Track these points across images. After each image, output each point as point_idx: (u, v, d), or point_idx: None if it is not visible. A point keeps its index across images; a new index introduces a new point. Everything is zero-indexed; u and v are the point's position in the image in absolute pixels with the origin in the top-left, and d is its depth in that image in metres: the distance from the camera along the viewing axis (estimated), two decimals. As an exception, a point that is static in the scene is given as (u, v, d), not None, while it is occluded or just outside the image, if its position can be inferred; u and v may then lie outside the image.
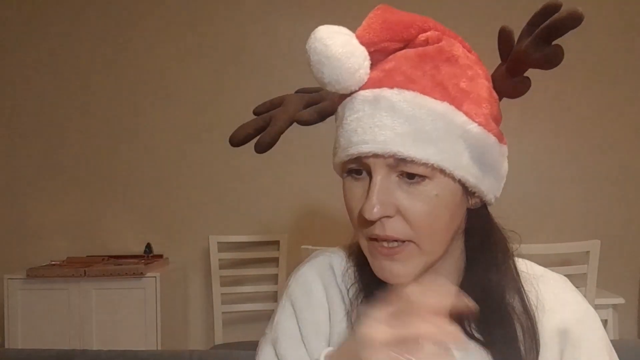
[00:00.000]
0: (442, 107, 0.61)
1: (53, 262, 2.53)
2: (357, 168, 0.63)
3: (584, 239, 2.00)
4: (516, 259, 0.72)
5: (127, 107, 2.77)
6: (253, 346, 0.77)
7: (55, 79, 2.77)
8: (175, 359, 1.07)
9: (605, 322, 2.26)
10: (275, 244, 2.65)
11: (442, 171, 0.60)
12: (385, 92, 0.61)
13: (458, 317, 0.66)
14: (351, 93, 0.64)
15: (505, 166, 0.68)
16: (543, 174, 2.70)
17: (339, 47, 0.61)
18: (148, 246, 2.62)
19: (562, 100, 2.71)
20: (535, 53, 0.67)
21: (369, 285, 0.69)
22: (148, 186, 2.75)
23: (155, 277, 2.34)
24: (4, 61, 2.78)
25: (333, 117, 0.72)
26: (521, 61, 0.69)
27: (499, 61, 0.74)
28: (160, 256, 2.65)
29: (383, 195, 0.60)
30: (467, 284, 0.68)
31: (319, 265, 0.75)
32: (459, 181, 0.62)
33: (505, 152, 0.68)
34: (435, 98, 0.61)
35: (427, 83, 0.62)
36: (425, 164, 0.59)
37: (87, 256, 2.65)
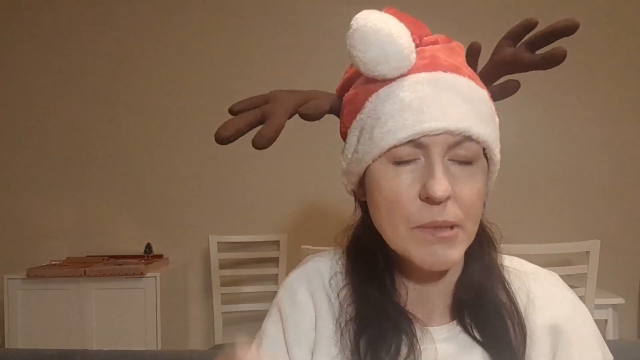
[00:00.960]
0: (484, 93, 0.66)
1: (53, 262, 2.53)
2: (411, 155, 0.61)
3: (584, 239, 2.00)
4: (507, 256, 0.73)
5: (127, 107, 2.77)
6: (253, 346, 0.77)
7: (55, 79, 2.77)
8: (175, 359, 1.07)
9: (605, 322, 2.26)
10: (275, 244, 2.66)
11: (484, 153, 0.63)
12: (441, 75, 0.63)
13: (457, 312, 0.68)
14: (391, 80, 0.63)
15: None
16: (543, 174, 2.70)
17: (398, 25, 0.62)
18: (148, 246, 2.62)
19: (562, 99, 2.70)
20: (530, 57, 0.71)
21: (359, 288, 0.69)
22: (148, 186, 2.75)
23: (155, 277, 2.34)
24: (4, 61, 2.78)
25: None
26: (510, 66, 0.73)
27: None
28: (160, 256, 2.65)
29: (444, 174, 0.60)
30: (464, 280, 0.69)
31: (307, 272, 0.75)
32: (488, 164, 0.64)
33: None
34: (478, 85, 0.65)
35: (468, 72, 0.65)
36: (480, 144, 0.61)
37: (87, 256, 2.65)
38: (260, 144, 0.66)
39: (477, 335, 0.66)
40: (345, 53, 0.64)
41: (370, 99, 0.65)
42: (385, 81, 0.63)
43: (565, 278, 0.75)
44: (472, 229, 0.63)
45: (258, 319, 0.77)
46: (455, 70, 0.64)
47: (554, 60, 0.69)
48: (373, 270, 0.70)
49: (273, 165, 2.64)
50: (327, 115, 0.73)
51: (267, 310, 0.77)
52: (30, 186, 2.76)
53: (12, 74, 2.78)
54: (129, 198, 2.76)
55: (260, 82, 2.70)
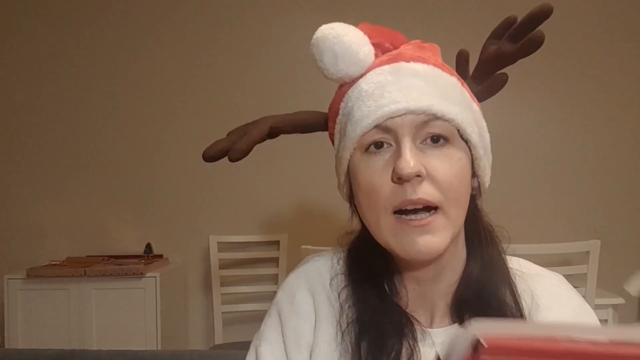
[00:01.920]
0: (454, 80, 0.67)
1: (53, 262, 2.53)
2: (379, 139, 0.62)
3: (584, 239, 2.00)
4: (512, 257, 0.72)
5: (127, 108, 2.77)
6: (252, 346, 0.77)
7: (55, 79, 2.77)
8: (175, 359, 1.07)
9: (605, 322, 2.26)
10: (275, 244, 2.66)
11: (460, 136, 0.63)
12: (403, 64, 0.65)
13: (458, 313, 0.67)
14: (357, 78, 0.66)
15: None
16: (543, 173, 2.70)
17: (345, 27, 0.66)
18: (148, 246, 2.62)
19: (562, 99, 2.71)
20: (512, 47, 0.73)
21: (359, 290, 0.69)
22: (148, 186, 2.75)
23: (155, 277, 2.34)
24: (5, 61, 2.78)
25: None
26: (497, 62, 0.75)
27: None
28: (160, 256, 2.65)
29: (415, 154, 0.60)
30: (466, 280, 0.68)
31: (307, 272, 0.75)
32: (470, 150, 0.64)
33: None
34: (446, 72, 0.66)
35: (435, 62, 0.67)
36: (450, 122, 0.61)
37: (87, 256, 2.65)
38: (232, 156, 0.74)
39: None
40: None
41: (343, 99, 0.68)
42: (353, 81, 0.67)
43: (566, 278, 0.75)
44: (455, 214, 0.62)
45: (258, 319, 0.77)
46: (418, 59, 0.65)
47: (533, 44, 0.71)
48: (373, 272, 0.69)
49: (273, 166, 2.64)
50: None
51: (267, 310, 0.77)
52: (31, 186, 2.76)
53: (12, 74, 2.78)
54: (129, 198, 2.76)
55: (259, 83, 2.71)
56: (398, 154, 0.60)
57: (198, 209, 2.75)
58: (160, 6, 2.77)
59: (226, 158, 0.77)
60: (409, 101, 0.60)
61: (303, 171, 2.68)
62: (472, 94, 0.69)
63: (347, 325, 0.67)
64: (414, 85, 0.62)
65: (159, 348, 2.29)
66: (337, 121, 0.69)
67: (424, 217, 0.60)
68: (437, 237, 0.61)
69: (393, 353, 0.64)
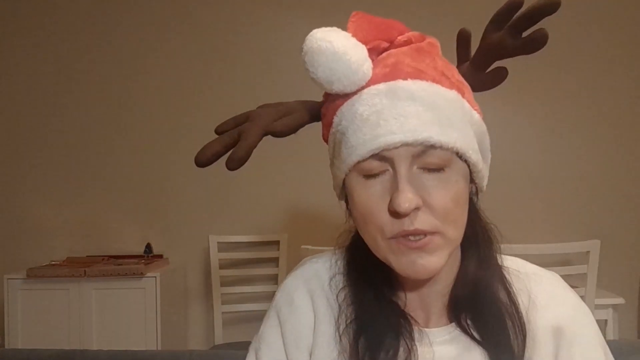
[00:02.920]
0: (452, 94, 0.64)
1: (53, 262, 2.53)
2: (375, 168, 0.60)
3: (584, 239, 2.00)
4: (508, 257, 0.72)
5: (127, 108, 2.77)
6: (252, 346, 0.77)
7: (56, 80, 2.77)
8: (175, 359, 1.07)
9: (605, 322, 2.26)
10: (275, 244, 2.66)
11: (458, 156, 0.61)
12: (400, 83, 0.62)
13: (455, 313, 0.67)
14: (353, 94, 0.63)
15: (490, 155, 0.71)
16: (543, 174, 2.70)
17: (343, 41, 0.61)
18: (148, 246, 2.62)
19: (562, 99, 2.71)
20: (514, 41, 0.70)
21: (358, 290, 0.69)
22: (148, 186, 2.75)
23: (155, 277, 2.34)
24: (5, 61, 2.78)
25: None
26: (496, 52, 0.72)
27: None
28: (160, 256, 2.65)
29: (412, 186, 0.59)
30: (461, 279, 0.68)
31: (305, 274, 0.74)
32: (468, 165, 0.63)
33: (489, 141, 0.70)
34: (445, 87, 0.63)
35: (434, 73, 0.64)
36: (448, 150, 0.59)
37: (87, 256, 2.65)
38: (231, 166, 0.69)
39: (477, 336, 0.65)
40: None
41: (337, 113, 0.65)
42: (347, 96, 0.64)
43: (565, 278, 0.75)
44: (453, 234, 0.62)
45: (258, 319, 0.77)
46: (417, 75, 0.62)
47: (536, 43, 0.68)
48: (371, 272, 0.69)
49: (273, 166, 2.64)
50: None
51: (266, 310, 0.77)
52: (31, 186, 2.76)
53: (14, 75, 2.78)
54: (129, 198, 2.76)
55: (258, 83, 2.70)
56: (395, 184, 0.59)
57: (198, 209, 2.75)
58: (164, 12, 2.77)
59: (223, 161, 0.74)
60: (406, 133, 0.58)
61: (303, 171, 2.68)
62: (472, 98, 0.67)
63: (346, 325, 0.67)
64: (411, 113, 0.59)
65: (159, 348, 2.29)
66: (331, 133, 0.67)
67: (422, 239, 0.60)
68: (435, 256, 0.60)
69: (390, 352, 0.64)
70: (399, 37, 0.67)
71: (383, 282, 0.69)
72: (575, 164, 2.70)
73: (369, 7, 0.71)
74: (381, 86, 0.62)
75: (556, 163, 2.70)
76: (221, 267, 2.60)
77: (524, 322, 0.66)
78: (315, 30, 0.63)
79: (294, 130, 0.74)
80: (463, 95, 0.65)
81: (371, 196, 0.61)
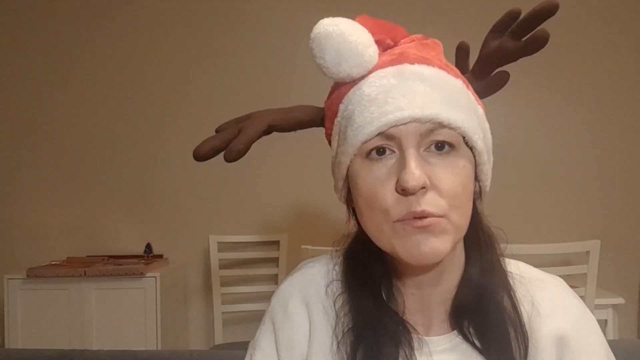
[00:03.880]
0: (458, 82, 0.64)
1: (53, 262, 2.53)
2: (382, 145, 0.59)
3: (584, 239, 2.00)
4: (511, 261, 0.71)
5: (127, 108, 2.77)
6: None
7: (56, 80, 2.77)
8: (175, 359, 1.07)
9: (605, 322, 2.26)
10: (275, 244, 2.66)
11: (465, 142, 0.61)
12: (407, 67, 0.62)
13: (457, 320, 0.66)
14: (359, 79, 0.63)
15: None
16: (543, 174, 2.70)
17: (349, 24, 0.63)
18: (148, 246, 2.62)
19: (562, 99, 2.71)
20: (515, 44, 0.71)
21: (356, 297, 0.67)
22: (148, 186, 2.75)
23: (155, 277, 2.34)
24: (5, 62, 2.78)
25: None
26: (498, 58, 0.73)
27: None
28: (160, 256, 2.65)
29: (420, 165, 0.58)
30: (464, 285, 0.67)
31: (301, 280, 0.73)
32: (474, 156, 0.63)
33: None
34: (450, 75, 0.64)
35: (440, 63, 0.64)
36: (456, 130, 0.59)
37: (87, 256, 2.65)
38: (228, 157, 0.70)
39: (478, 344, 0.64)
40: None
41: (342, 101, 0.65)
42: (354, 82, 0.64)
43: (565, 278, 0.74)
44: (459, 220, 0.60)
45: (258, 319, 0.77)
46: (423, 61, 0.63)
47: (537, 43, 0.69)
48: (370, 277, 0.68)
49: (273, 166, 2.64)
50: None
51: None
52: (31, 186, 2.76)
53: (13, 75, 2.78)
54: (129, 198, 2.76)
55: (258, 83, 2.70)
56: (402, 163, 0.58)
57: (198, 209, 2.75)
58: (161, 9, 2.77)
59: (222, 158, 0.74)
60: (414, 109, 0.58)
61: (303, 171, 2.68)
62: (476, 95, 0.67)
63: (343, 334, 0.66)
64: (419, 91, 0.59)
65: (159, 348, 2.29)
66: (336, 122, 0.66)
67: (427, 219, 0.58)
68: (441, 240, 0.59)
69: None
70: (402, 40, 0.68)
71: (382, 288, 0.67)
72: (575, 164, 2.70)
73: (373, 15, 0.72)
74: (388, 69, 0.62)
75: (556, 163, 2.70)
76: (221, 267, 2.59)
77: (526, 332, 0.64)
78: (322, 20, 0.64)
79: (293, 127, 0.74)
80: (468, 87, 0.66)
81: (376, 178, 0.60)
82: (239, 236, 2.66)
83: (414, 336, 0.65)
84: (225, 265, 2.63)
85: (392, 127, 0.58)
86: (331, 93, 0.70)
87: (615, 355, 0.69)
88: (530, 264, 0.73)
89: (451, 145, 0.60)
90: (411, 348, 0.64)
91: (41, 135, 2.77)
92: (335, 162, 0.67)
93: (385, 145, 0.60)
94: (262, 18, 2.75)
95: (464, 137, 0.61)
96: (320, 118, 0.73)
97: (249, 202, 2.73)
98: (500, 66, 0.74)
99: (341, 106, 0.65)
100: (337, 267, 0.72)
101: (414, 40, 0.68)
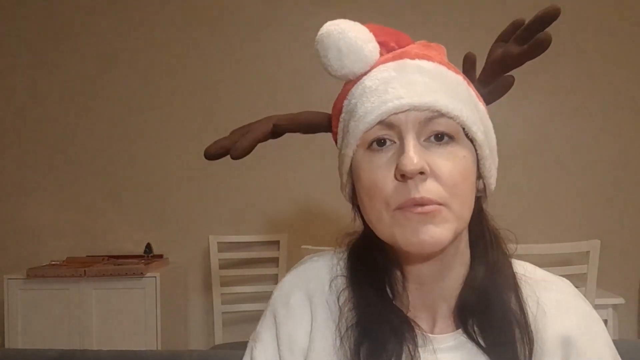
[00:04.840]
0: (459, 78, 0.66)
1: (53, 262, 2.53)
2: (382, 136, 0.61)
3: (584, 239, 2.00)
4: (517, 261, 0.71)
5: (126, 108, 2.77)
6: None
7: (55, 80, 2.77)
8: (175, 359, 1.07)
9: (605, 322, 2.26)
10: (275, 244, 2.66)
11: (465, 134, 0.62)
12: (408, 61, 0.64)
13: (462, 318, 0.66)
14: (362, 75, 0.65)
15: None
16: (543, 174, 2.70)
17: (350, 23, 0.66)
18: (148, 246, 2.62)
19: (562, 99, 2.71)
20: (518, 49, 0.73)
21: (360, 293, 0.67)
22: (148, 186, 2.75)
23: (155, 277, 2.34)
24: (4, 62, 2.78)
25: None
26: (504, 64, 0.75)
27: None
28: (160, 256, 2.65)
29: (419, 152, 0.59)
30: (470, 283, 0.66)
31: (304, 274, 0.73)
32: (475, 150, 0.63)
33: None
34: (451, 70, 0.66)
35: (441, 60, 0.66)
36: (455, 119, 0.60)
37: (87, 256, 2.65)
38: (234, 154, 0.74)
39: (483, 343, 0.64)
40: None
41: (347, 97, 0.67)
42: (357, 78, 0.66)
43: (566, 278, 0.74)
44: (459, 210, 0.60)
45: (258, 319, 0.77)
46: (424, 57, 0.65)
47: (540, 46, 0.71)
48: (375, 273, 0.68)
49: (273, 166, 2.64)
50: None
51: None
52: (31, 186, 2.76)
53: (11, 75, 2.78)
54: (129, 198, 2.76)
55: (257, 84, 2.71)
56: (401, 150, 0.59)
57: (198, 209, 2.75)
58: (163, 3, 2.77)
59: (227, 157, 0.76)
60: (413, 97, 0.59)
61: (303, 171, 2.68)
62: (477, 93, 0.68)
63: (347, 329, 0.66)
64: (419, 81, 0.61)
65: (159, 348, 2.29)
66: (340, 119, 0.68)
67: (427, 206, 0.58)
68: (441, 227, 0.59)
69: (393, 359, 0.62)
70: (409, 46, 0.70)
71: (387, 284, 0.67)
72: (575, 164, 2.70)
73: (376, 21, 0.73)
74: (390, 64, 0.65)
75: (556, 163, 2.70)
76: (221, 267, 2.59)
77: (531, 332, 0.64)
78: (329, 22, 0.67)
79: (298, 127, 0.77)
80: (469, 84, 0.67)
81: (377, 167, 0.61)
82: (239, 236, 2.66)
83: (418, 333, 0.65)
84: (225, 265, 2.63)
85: (392, 115, 0.60)
86: (340, 92, 0.71)
87: (615, 356, 0.69)
88: (531, 264, 0.73)
89: (450, 137, 0.61)
90: (415, 345, 0.64)
91: (41, 135, 2.77)
92: (339, 157, 0.68)
93: (385, 135, 0.61)
94: (267, 19, 2.75)
95: (464, 129, 0.62)
96: (327, 123, 0.75)
97: (249, 202, 2.73)
98: (506, 71, 0.76)
99: (345, 102, 0.67)
100: (341, 263, 0.72)
101: (418, 43, 0.70)
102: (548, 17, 0.69)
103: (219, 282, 2.57)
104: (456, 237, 0.62)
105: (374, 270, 0.68)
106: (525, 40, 0.72)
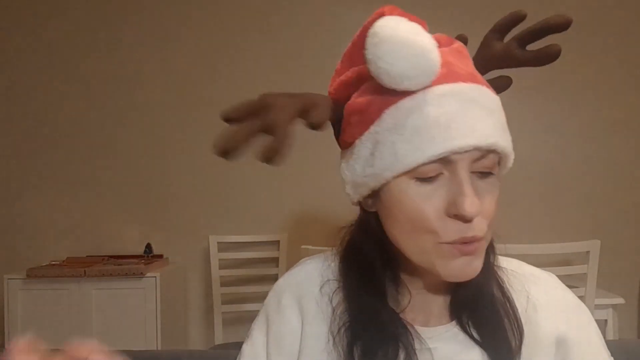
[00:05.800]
0: (498, 99, 0.64)
1: (53, 262, 2.53)
2: (440, 172, 0.59)
3: (584, 239, 2.00)
4: (504, 257, 0.72)
5: (126, 108, 2.77)
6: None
7: (55, 80, 2.77)
8: (175, 359, 1.07)
9: (605, 322, 2.26)
10: (275, 244, 2.65)
11: (500, 162, 0.62)
12: (463, 87, 0.60)
13: (456, 311, 0.67)
14: (413, 92, 0.59)
15: None
16: (543, 174, 2.70)
17: (429, 39, 0.58)
18: (148, 246, 2.62)
19: (562, 99, 2.71)
20: (522, 52, 0.70)
21: (354, 294, 0.68)
22: (148, 186, 2.75)
23: (155, 277, 2.34)
24: (4, 62, 2.78)
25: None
26: (502, 61, 0.71)
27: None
28: (160, 256, 2.65)
29: (474, 191, 0.58)
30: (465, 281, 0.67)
31: (296, 276, 0.74)
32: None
33: None
34: (491, 92, 0.63)
35: (482, 79, 0.64)
36: (502, 154, 0.61)
37: (87, 256, 2.65)
38: (275, 162, 0.64)
39: (475, 335, 0.65)
40: (334, 53, 0.61)
41: (387, 110, 0.60)
42: (405, 93, 0.59)
43: (565, 278, 0.75)
44: (489, 236, 0.63)
45: (258, 319, 0.77)
46: (473, 79, 0.62)
47: (548, 58, 0.68)
48: (370, 275, 0.68)
49: (273, 166, 2.64)
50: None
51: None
52: (30, 186, 2.76)
53: (12, 75, 2.78)
54: (129, 198, 2.76)
55: (257, 82, 2.70)
56: (457, 188, 0.58)
57: (198, 209, 2.75)
58: (170, 5, 2.77)
59: (223, 161, 0.69)
60: (478, 137, 0.58)
61: (303, 171, 2.68)
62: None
63: (339, 330, 0.66)
64: (479, 117, 0.59)
65: (159, 348, 2.29)
66: (373, 131, 0.61)
67: (473, 244, 0.60)
68: (480, 260, 0.61)
69: (388, 355, 0.63)
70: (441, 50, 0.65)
71: (382, 287, 0.67)
72: (575, 164, 2.70)
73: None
74: (446, 87, 0.59)
75: (556, 163, 2.71)
76: (221, 267, 2.59)
77: (520, 322, 0.66)
78: (391, 19, 0.58)
79: (326, 123, 0.65)
80: (493, 92, 0.66)
81: (426, 199, 0.59)
82: (239, 236, 2.66)
83: (412, 331, 0.66)
84: (225, 265, 2.63)
85: (455, 153, 0.58)
86: (349, 90, 0.65)
87: (615, 355, 0.70)
88: (531, 264, 0.74)
89: (493, 169, 0.61)
90: (410, 343, 0.65)
91: (41, 135, 2.77)
92: (366, 172, 0.62)
93: (436, 169, 0.59)
94: (271, 15, 2.75)
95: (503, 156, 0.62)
96: (335, 113, 0.67)
97: (249, 202, 2.73)
98: (500, 68, 0.73)
99: (386, 116, 0.60)
100: (333, 264, 0.72)
101: (441, 43, 0.65)
102: (558, 27, 0.67)
103: (219, 282, 2.57)
104: None
105: (368, 272, 0.68)
106: (527, 43, 0.69)
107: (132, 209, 2.76)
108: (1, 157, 2.77)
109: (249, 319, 2.71)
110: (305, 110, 0.62)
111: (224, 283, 2.60)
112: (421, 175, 0.59)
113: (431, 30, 0.62)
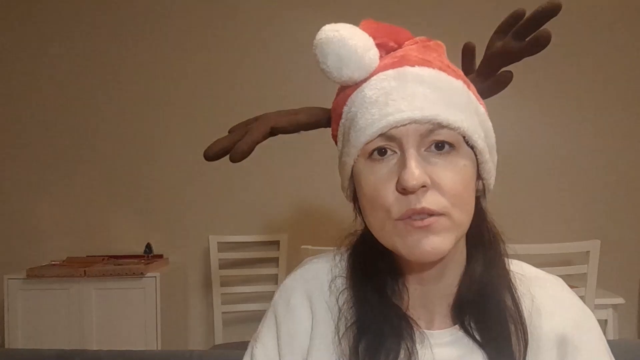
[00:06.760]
0: (458, 83, 0.65)
1: (53, 262, 2.53)
2: (383, 146, 0.61)
3: (584, 239, 2.00)
4: (513, 260, 0.72)
5: (127, 108, 2.77)
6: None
7: (56, 80, 2.77)
8: (175, 359, 1.07)
9: (605, 322, 2.26)
10: (275, 244, 2.66)
11: (465, 142, 0.62)
12: (408, 69, 0.63)
13: (459, 315, 0.67)
14: (362, 82, 0.65)
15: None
16: (543, 174, 2.70)
17: (349, 29, 0.65)
18: (148, 246, 2.62)
19: (561, 100, 2.70)
20: (519, 44, 0.72)
21: (359, 292, 0.68)
22: (148, 186, 2.75)
23: (155, 277, 2.34)
24: (5, 63, 2.78)
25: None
26: (503, 58, 0.74)
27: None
28: (160, 256, 2.65)
29: (420, 165, 0.59)
30: (467, 280, 0.68)
31: (304, 274, 0.74)
32: (475, 155, 0.64)
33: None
34: (451, 76, 0.65)
35: (441, 64, 0.65)
36: (456, 130, 0.60)
37: (87, 256, 2.65)
38: (233, 158, 0.74)
39: (479, 339, 0.65)
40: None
41: (346, 103, 0.67)
42: (357, 84, 0.66)
43: (565, 278, 0.75)
44: (460, 218, 0.61)
45: (258, 319, 0.77)
46: (424, 63, 0.64)
47: (540, 42, 0.70)
48: (374, 273, 0.69)
49: (273, 166, 2.64)
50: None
51: (266, 310, 0.77)
52: (30, 186, 2.76)
53: (11, 74, 2.78)
54: (129, 198, 2.76)
55: (257, 85, 2.70)
56: (402, 163, 0.60)
57: (198, 209, 2.75)
58: (161, 3, 2.77)
59: (226, 158, 0.76)
60: (414, 110, 0.59)
61: (303, 171, 2.68)
62: (477, 94, 0.69)
63: (346, 328, 0.67)
64: (419, 93, 0.61)
65: (159, 348, 2.29)
66: (340, 124, 0.68)
67: (424, 219, 0.59)
68: (441, 237, 0.60)
69: (391, 355, 0.64)
70: (406, 42, 0.69)
71: (386, 284, 0.68)
72: (575, 164, 2.70)
73: (376, 17, 0.72)
74: (389, 72, 0.64)
75: (556, 163, 2.70)
76: (221, 267, 2.60)
77: (526, 328, 0.65)
78: (324, 26, 0.66)
79: (296, 128, 0.76)
80: (469, 87, 0.67)
81: (378, 178, 0.61)
82: (239, 236, 2.66)
83: (416, 330, 0.66)
84: (225, 265, 2.63)
85: (393, 128, 0.60)
86: (337, 95, 0.71)
87: (615, 356, 0.70)
88: (531, 264, 0.74)
89: (451, 145, 0.61)
90: (413, 342, 0.65)
91: (41, 134, 2.77)
92: (340, 162, 0.69)
93: (386, 145, 0.61)
94: (264, 16, 2.75)
95: (464, 137, 0.62)
96: (327, 119, 0.75)
97: (249, 202, 2.73)
98: (504, 66, 0.76)
99: (345, 108, 0.67)
100: (341, 264, 0.73)
101: (417, 43, 0.69)
102: (547, 13, 0.69)
103: (219, 282, 2.57)
104: (456, 242, 0.64)
105: (373, 270, 0.69)
106: (525, 35, 0.71)
107: (132, 209, 2.76)
108: (2, 158, 2.77)
109: (249, 319, 2.71)
110: (281, 123, 0.77)
111: (224, 283, 2.60)
112: (371, 154, 0.62)
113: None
